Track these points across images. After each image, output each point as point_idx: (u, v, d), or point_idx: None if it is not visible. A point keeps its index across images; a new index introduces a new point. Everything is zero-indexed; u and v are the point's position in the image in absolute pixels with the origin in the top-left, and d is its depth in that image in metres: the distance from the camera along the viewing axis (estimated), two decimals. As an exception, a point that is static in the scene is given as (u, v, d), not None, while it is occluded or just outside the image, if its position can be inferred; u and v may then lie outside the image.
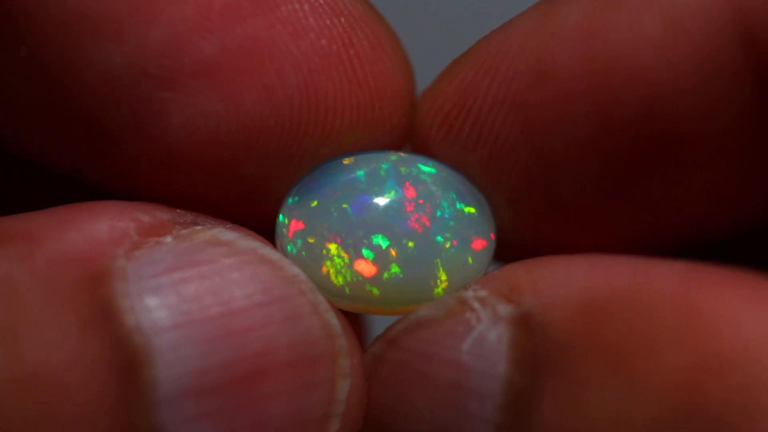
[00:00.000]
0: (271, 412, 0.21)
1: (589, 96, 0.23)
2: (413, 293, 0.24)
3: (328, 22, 0.23)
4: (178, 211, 0.23)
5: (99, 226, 0.22)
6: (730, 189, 0.24)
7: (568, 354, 0.21)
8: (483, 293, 0.23)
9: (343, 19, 0.24)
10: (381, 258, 0.23)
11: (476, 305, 0.23)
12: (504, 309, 0.22)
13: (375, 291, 0.23)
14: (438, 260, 0.24)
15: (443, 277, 0.24)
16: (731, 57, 0.22)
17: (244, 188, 0.24)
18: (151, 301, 0.21)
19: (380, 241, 0.23)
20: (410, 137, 0.26)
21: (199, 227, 0.23)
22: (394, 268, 0.23)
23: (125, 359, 0.21)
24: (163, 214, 0.23)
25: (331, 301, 0.23)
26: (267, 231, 0.24)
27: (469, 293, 0.23)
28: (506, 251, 0.25)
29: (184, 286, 0.21)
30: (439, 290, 0.24)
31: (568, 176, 0.24)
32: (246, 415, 0.21)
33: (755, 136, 0.23)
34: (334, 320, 0.23)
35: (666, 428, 0.20)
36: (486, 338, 0.22)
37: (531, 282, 0.23)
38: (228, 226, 0.23)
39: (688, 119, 0.23)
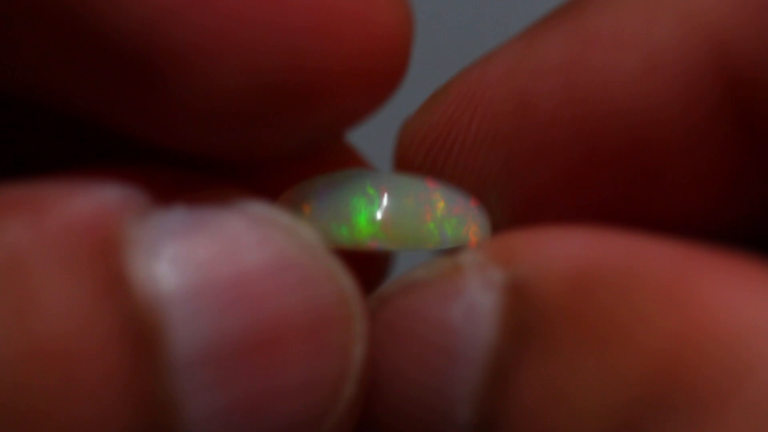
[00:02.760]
0: (287, 376, 0.22)
1: (571, 128, 0.24)
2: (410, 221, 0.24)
3: None
4: (189, 175, 0.24)
5: (109, 192, 0.22)
6: (711, 218, 0.25)
7: (554, 327, 0.22)
8: (478, 258, 0.23)
9: None
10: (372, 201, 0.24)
11: (470, 270, 0.23)
12: (496, 275, 0.23)
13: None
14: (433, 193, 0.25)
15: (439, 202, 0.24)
16: (709, 92, 0.23)
17: (242, 164, 0.25)
18: (164, 268, 0.21)
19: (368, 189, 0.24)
20: (395, 160, 0.27)
21: (210, 192, 0.23)
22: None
23: (139, 328, 0.21)
24: (174, 179, 0.23)
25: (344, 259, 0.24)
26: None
27: (465, 257, 0.23)
28: None
29: (197, 252, 0.21)
30: (436, 216, 0.24)
31: (552, 207, 0.25)
32: (262, 381, 0.21)
33: (735, 168, 0.24)
34: (347, 284, 0.23)
35: (640, 409, 0.20)
36: (477, 303, 0.23)
37: (527, 251, 0.23)
38: (240, 191, 0.23)
39: (668, 150, 0.24)
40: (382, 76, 0.24)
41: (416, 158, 0.26)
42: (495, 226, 0.26)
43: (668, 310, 0.21)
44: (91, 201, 0.21)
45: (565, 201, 0.25)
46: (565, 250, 0.22)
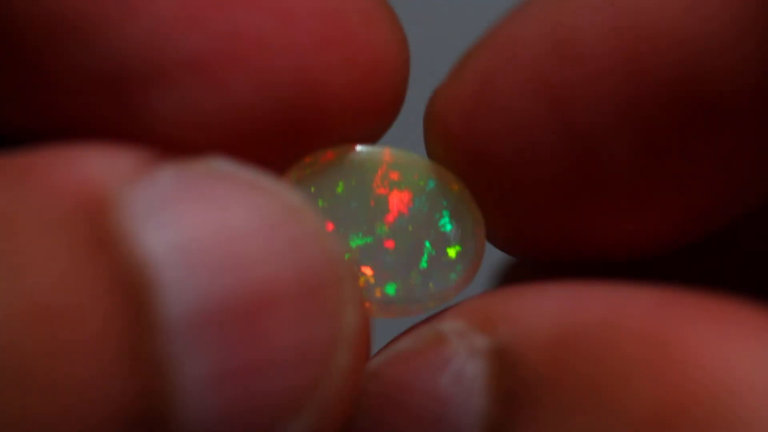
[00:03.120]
0: (278, 340, 0.21)
1: (620, 68, 0.23)
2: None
3: (317, 3, 0.23)
4: (177, 147, 0.23)
5: (98, 157, 0.21)
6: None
7: (542, 389, 0.21)
8: (459, 325, 0.23)
9: None
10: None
11: (453, 338, 0.23)
12: (480, 342, 0.22)
13: None
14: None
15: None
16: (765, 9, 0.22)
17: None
18: (155, 230, 0.21)
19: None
20: (425, 134, 0.26)
21: (196, 159, 0.22)
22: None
23: (130, 291, 0.20)
24: (161, 149, 0.23)
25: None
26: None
27: (446, 325, 0.23)
28: (532, 246, 0.25)
29: (187, 215, 0.21)
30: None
31: (603, 155, 0.23)
32: (254, 344, 0.21)
33: None
34: (335, 247, 0.22)
35: None
36: (464, 371, 0.22)
37: (505, 313, 0.22)
38: (226, 157, 0.23)
39: (725, 77, 0.22)
40: (383, 103, 0.24)
41: (453, 120, 0.25)
42: (542, 182, 0.24)
43: (660, 362, 0.20)
44: (81, 165, 0.21)
45: (615, 143, 0.23)
46: (543, 311, 0.22)
